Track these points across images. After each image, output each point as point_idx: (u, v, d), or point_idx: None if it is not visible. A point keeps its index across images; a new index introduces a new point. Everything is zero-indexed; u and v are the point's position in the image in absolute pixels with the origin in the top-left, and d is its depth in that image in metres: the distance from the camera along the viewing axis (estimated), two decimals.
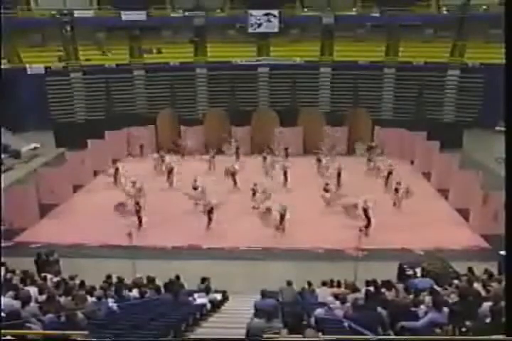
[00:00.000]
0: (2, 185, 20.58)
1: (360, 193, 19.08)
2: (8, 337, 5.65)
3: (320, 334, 6.57)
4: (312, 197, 20.38)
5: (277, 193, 20.19)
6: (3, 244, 14.90)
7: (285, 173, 22.89)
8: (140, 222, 18.58)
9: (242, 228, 18.31)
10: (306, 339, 6.11)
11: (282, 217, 17.93)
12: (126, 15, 33.51)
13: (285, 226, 17.99)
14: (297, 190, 22.01)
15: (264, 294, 9.70)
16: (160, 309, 9.64)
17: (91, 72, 33.00)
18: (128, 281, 12.31)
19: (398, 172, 22.94)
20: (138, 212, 18.56)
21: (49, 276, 11.78)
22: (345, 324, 7.40)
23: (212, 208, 18.44)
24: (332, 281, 12.64)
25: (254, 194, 20.62)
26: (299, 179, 22.75)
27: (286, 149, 26.82)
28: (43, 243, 16.98)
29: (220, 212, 18.63)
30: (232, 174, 22.74)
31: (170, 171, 23.22)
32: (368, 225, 17.88)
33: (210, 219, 18.45)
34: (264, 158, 25.20)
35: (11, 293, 8.61)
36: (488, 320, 6.72)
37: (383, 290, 9.84)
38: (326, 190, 20.55)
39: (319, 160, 25.01)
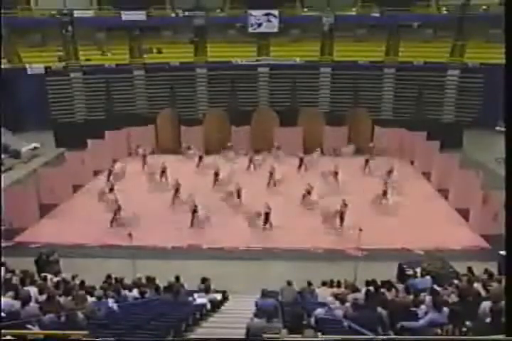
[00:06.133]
0: (2, 185, 20.57)
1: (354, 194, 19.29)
2: (8, 337, 5.64)
3: (320, 334, 6.57)
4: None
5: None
6: (3, 244, 14.88)
7: (271, 174, 22.84)
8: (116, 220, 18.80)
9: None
10: (306, 339, 6.11)
11: (267, 215, 18.13)
12: (126, 15, 33.51)
13: (272, 225, 18.23)
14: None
15: (265, 294, 9.72)
16: (160, 309, 9.64)
17: (91, 72, 32.99)
18: (128, 281, 12.32)
19: (398, 172, 23.00)
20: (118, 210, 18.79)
21: (49, 276, 11.77)
22: (345, 324, 7.41)
23: (196, 207, 18.65)
24: (332, 281, 12.66)
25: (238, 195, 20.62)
26: (293, 179, 22.73)
27: (278, 148, 26.80)
28: (43, 243, 16.98)
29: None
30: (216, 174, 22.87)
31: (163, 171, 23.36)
32: (341, 225, 18.18)
33: (193, 218, 18.69)
34: (250, 159, 25.27)
35: (10, 293, 8.60)
36: (488, 320, 6.71)
37: (383, 290, 9.84)
38: (308, 193, 20.47)
39: (301, 160, 25.14)
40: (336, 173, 22.81)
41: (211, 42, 34.97)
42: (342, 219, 18.25)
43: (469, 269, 11.83)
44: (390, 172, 22.90)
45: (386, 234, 17.47)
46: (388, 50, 34.53)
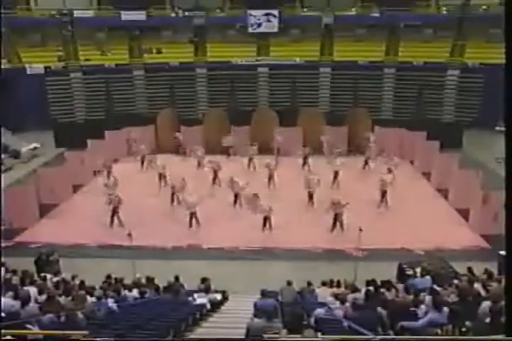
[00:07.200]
0: (2, 185, 20.57)
1: (354, 194, 19.21)
2: (8, 337, 5.64)
3: (320, 334, 6.57)
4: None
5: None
6: (3, 244, 14.89)
7: (270, 175, 22.68)
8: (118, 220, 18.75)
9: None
10: (306, 339, 6.11)
11: (267, 217, 18.05)
12: (126, 15, 33.50)
13: (272, 226, 18.14)
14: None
15: (264, 294, 9.72)
16: (160, 309, 9.64)
17: (91, 72, 32.99)
18: (128, 281, 12.32)
19: (398, 172, 22.99)
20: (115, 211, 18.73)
21: (49, 276, 11.77)
22: (345, 324, 7.41)
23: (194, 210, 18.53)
24: (332, 281, 12.66)
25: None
26: (292, 179, 22.69)
27: (278, 149, 26.83)
28: (43, 243, 16.96)
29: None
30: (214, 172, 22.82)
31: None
32: (334, 225, 18.03)
33: (191, 218, 18.55)
34: (250, 159, 25.23)
35: (10, 293, 8.60)
36: (488, 320, 6.71)
37: (383, 290, 9.84)
38: (310, 194, 20.37)
39: (305, 159, 25.07)
40: (336, 173, 22.77)
41: (211, 42, 34.97)
42: (337, 219, 18.19)
43: (469, 269, 11.82)
44: (389, 172, 22.84)
45: (386, 234, 17.46)
46: (388, 50, 34.53)
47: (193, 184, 21.55)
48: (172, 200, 20.65)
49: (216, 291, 12.59)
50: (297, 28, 35.61)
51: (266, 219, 18.08)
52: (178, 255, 16.61)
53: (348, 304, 8.57)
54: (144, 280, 12.51)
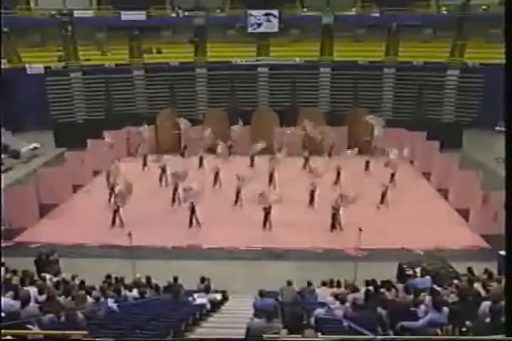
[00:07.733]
0: (2, 185, 20.57)
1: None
2: (8, 337, 5.64)
3: (320, 334, 6.57)
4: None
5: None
6: (3, 244, 14.88)
7: (271, 174, 22.71)
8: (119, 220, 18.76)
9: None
10: (306, 339, 6.11)
11: (267, 214, 18.07)
12: (126, 15, 33.56)
13: (271, 224, 18.19)
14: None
15: (262, 294, 9.73)
16: (160, 309, 9.64)
17: (91, 72, 33.03)
18: (128, 281, 12.32)
19: (398, 172, 22.98)
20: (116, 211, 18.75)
21: (48, 276, 11.76)
22: (345, 324, 7.40)
23: (194, 207, 18.55)
24: (332, 281, 12.66)
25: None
26: (292, 180, 22.67)
27: (279, 148, 26.83)
28: (43, 243, 16.96)
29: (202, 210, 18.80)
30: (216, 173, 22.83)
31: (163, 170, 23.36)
32: (334, 225, 18.08)
33: (191, 219, 18.59)
34: (252, 159, 25.19)
35: (10, 293, 8.60)
36: (488, 320, 6.71)
37: (383, 290, 9.84)
38: (312, 193, 20.37)
39: (307, 160, 25.08)
40: (338, 173, 22.80)
41: (211, 42, 35.02)
42: (336, 219, 18.19)
43: (469, 269, 11.82)
44: (392, 174, 22.75)
45: (386, 234, 17.46)
46: (388, 50, 34.57)
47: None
48: (173, 200, 20.66)
49: (216, 291, 12.59)
50: (297, 28, 35.65)
51: (266, 218, 18.10)
52: (178, 255, 16.60)
53: (348, 304, 8.56)
54: (144, 280, 12.51)
